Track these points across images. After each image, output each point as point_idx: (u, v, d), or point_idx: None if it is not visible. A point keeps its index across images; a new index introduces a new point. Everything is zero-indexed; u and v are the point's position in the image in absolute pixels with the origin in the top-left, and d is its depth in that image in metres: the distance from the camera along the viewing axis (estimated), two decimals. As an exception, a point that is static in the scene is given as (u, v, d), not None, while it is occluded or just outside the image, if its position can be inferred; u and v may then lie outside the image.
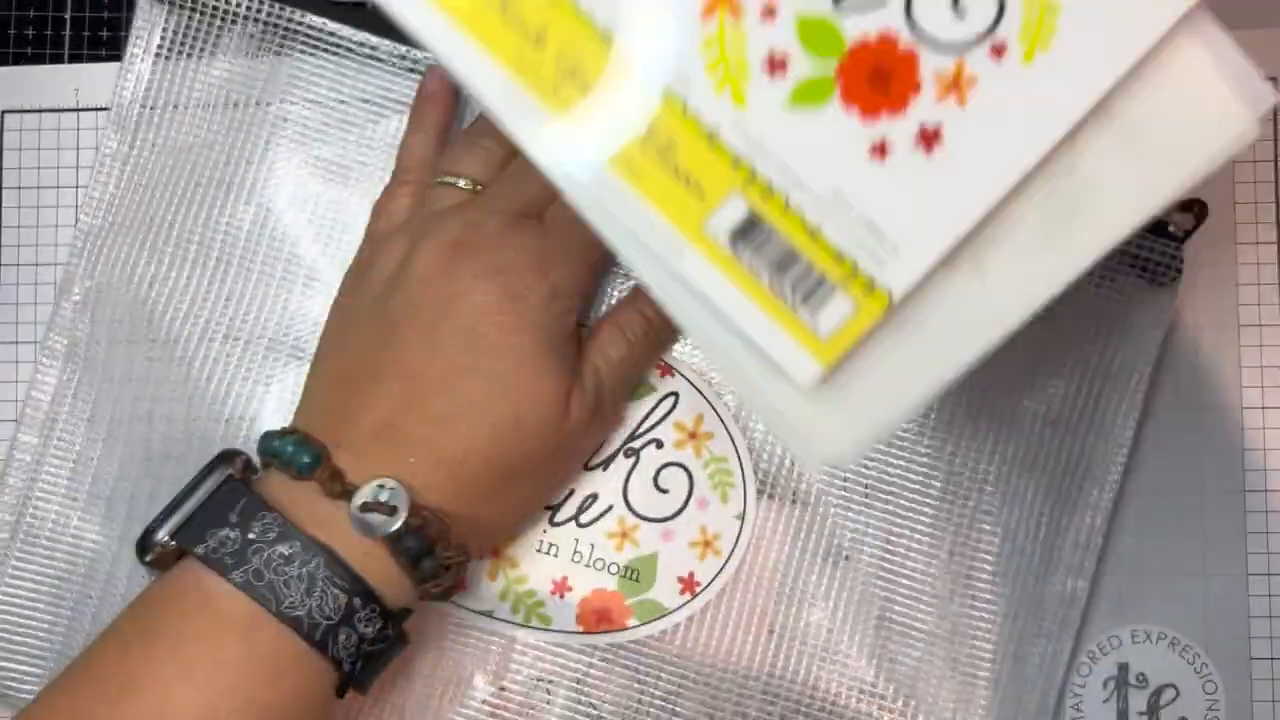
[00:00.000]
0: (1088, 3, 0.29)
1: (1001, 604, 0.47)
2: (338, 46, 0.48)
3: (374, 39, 0.48)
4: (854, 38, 0.29)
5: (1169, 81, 0.30)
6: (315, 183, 0.49)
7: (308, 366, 0.49)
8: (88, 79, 0.50)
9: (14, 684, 0.48)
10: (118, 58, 0.50)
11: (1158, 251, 0.46)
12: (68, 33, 0.51)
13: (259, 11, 0.48)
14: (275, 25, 0.48)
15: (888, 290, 0.30)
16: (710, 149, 0.30)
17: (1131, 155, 0.30)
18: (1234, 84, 0.31)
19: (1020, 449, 0.47)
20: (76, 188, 0.50)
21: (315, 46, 0.48)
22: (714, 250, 0.30)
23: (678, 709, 0.47)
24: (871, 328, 0.30)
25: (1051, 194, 0.30)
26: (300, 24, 0.48)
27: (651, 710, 0.47)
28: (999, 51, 0.29)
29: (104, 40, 0.51)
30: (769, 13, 0.29)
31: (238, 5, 0.48)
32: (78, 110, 0.50)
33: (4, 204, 0.50)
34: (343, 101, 0.49)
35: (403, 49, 0.48)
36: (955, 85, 0.29)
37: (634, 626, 0.46)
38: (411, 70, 0.48)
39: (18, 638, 0.48)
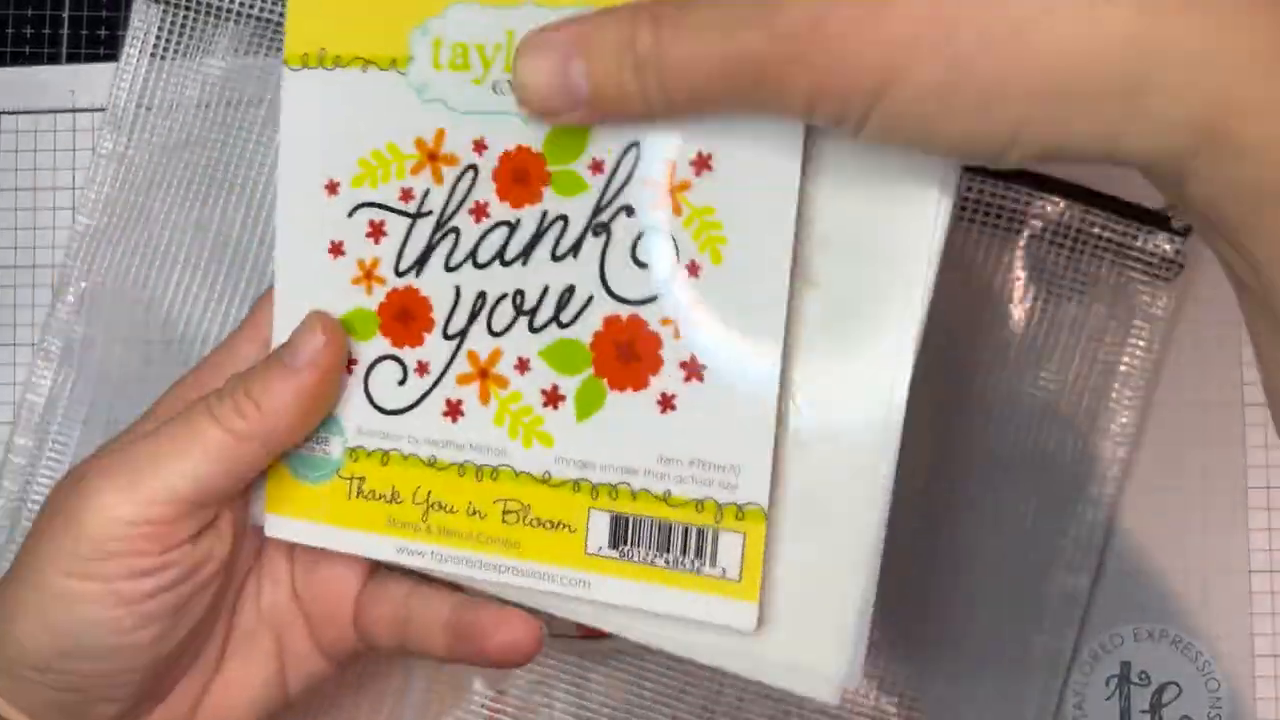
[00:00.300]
0: (733, 202, 0.32)
1: (1003, 602, 0.46)
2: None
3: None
4: (590, 340, 0.33)
5: (846, 180, 0.32)
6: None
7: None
8: (85, 80, 0.50)
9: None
10: (115, 58, 0.50)
11: (1160, 246, 0.46)
12: (65, 33, 0.51)
13: (252, 8, 0.48)
14: (269, 21, 0.48)
15: (754, 503, 0.32)
16: (552, 490, 0.34)
17: (863, 251, 0.32)
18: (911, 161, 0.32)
19: (1020, 446, 0.47)
20: (73, 189, 0.50)
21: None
22: (606, 565, 0.34)
23: (678, 713, 0.47)
24: (767, 542, 0.32)
25: (825, 324, 0.32)
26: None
27: (651, 713, 0.47)
28: (695, 270, 0.32)
29: (101, 40, 0.51)
30: (522, 365, 0.34)
31: (232, 1, 0.48)
32: (74, 111, 0.50)
33: (1, 205, 0.50)
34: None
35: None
36: (671, 325, 0.33)
37: (633, 630, 0.46)
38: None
39: (13, 641, 0.48)
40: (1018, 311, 0.46)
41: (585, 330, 0.33)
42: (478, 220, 0.34)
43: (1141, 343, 0.46)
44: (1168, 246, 0.46)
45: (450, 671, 0.47)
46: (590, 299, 0.33)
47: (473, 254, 0.34)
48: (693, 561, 0.33)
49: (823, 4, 0.27)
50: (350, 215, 0.35)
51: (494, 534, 0.35)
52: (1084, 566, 0.46)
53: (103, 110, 0.49)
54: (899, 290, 0.32)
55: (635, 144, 0.32)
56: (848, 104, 0.28)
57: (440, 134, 0.34)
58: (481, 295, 0.34)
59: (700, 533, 0.33)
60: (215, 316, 0.48)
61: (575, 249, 0.33)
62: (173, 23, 0.49)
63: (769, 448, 0.32)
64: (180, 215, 0.49)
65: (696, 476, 0.33)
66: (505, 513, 0.35)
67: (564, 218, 0.33)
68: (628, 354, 0.33)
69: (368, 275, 0.35)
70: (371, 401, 0.36)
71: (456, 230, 0.34)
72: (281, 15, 0.48)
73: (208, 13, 0.49)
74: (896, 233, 0.32)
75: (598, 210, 0.33)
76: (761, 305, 0.32)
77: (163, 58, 0.49)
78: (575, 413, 0.34)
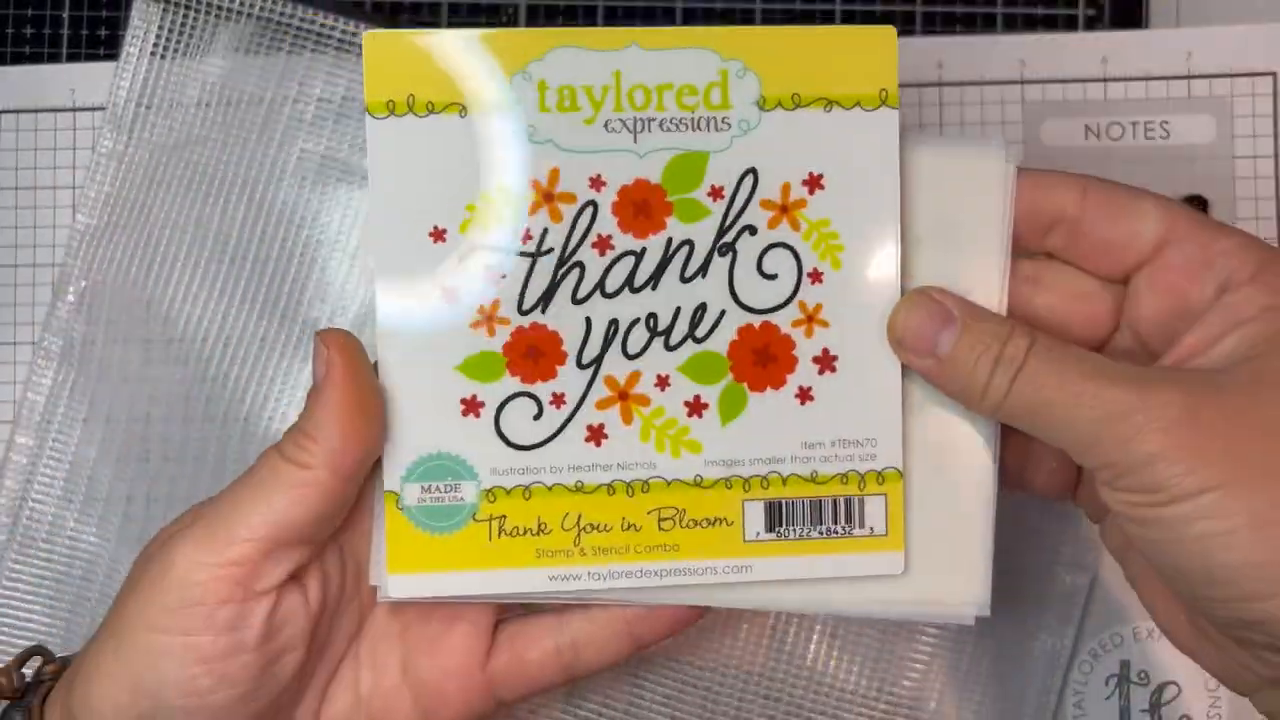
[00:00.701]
0: (846, 214, 0.36)
1: (1003, 602, 0.46)
2: (332, 40, 0.48)
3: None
4: (726, 350, 0.36)
5: (930, 187, 0.37)
6: (311, 178, 0.49)
7: (305, 365, 0.49)
8: (85, 79, 0.50)
9: (9, 686, 0.48)
10: (115, 57, 0.50)
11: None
12: (65, 32, 0.51)
13: (253, 7, 0.48)
14: (269, 20, 0.48)
15: (892, 467, 0.37)
16: (704, 491, 0.37)
17: (949, 245, 0.37)
18: None
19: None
20: (73, 188, 0.50)
21: (309, 41, 0.49)
22: (764, 548, 0.37)
23: (677, 712, 0.47)
24: (907, 497, 0.37)
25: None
26: (294, 19, 0.48)
27: (650, 713, 0.47)
28: (818, 276, 0.36)
29: (101, 40, 0.51)
30: (662, 383, 0.36)
31: (232, 1, 0.48)
32: (74, 110, 0.50)
33: (1, 204, 0.50)
34: (338, 97, 0.49)
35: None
36: (810, 319, 0.36)
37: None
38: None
39: (15, 639, 0.48)
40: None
41: (721, 342, 0.36)
42: (602, 253, 0.36)
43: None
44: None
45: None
46: (723, 313, 0.36)
47: (600, 285, 0.36)
48: (843, 527, 0.37)
49: (1192, 403, 0.31)
50: (463, 260, 0.36)
51: (651, 542, 0.37)
52: (1084, 566, 0.46)
53: (102, 109, 0.49)
54: (980, 273, 0.36)
55: (751, 170, 0.36)
56: (1163, 496, 0.31)
57: (554, 173, 0.35)
58: (613, 322, 0.36)
59: (848, 501, 0.37)
60: (216, 315, 0.48)
61: (703, 269, 0.36)
62: (173, 21, 0.49)
63: (899, 418, 0.37)
64: (180, 214, 0.49)
65: (839, 454, 0.37)
66: (661, 520, 0.37)
67: (689, 242, 0.36)
68: (764, 357, 0.36)
69: (489, 318, 0.36)
70: (506, 440, 0.36)
71: (581, 264, 0.36)
72: (282, 14, 0.48)
73: (208, 11, 0.49)
74: (974, 226, 0.36)
75: (721, 232, 0.36)
76: (880, 300, 0.36)
77: (163, 57, 0.49)
78: (720, 418, 0.36)
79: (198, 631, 0.33)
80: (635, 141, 0.35)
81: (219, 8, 0.49)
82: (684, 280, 0.36)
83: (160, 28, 0.49)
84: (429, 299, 0.36)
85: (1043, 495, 0.39)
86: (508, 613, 0.39)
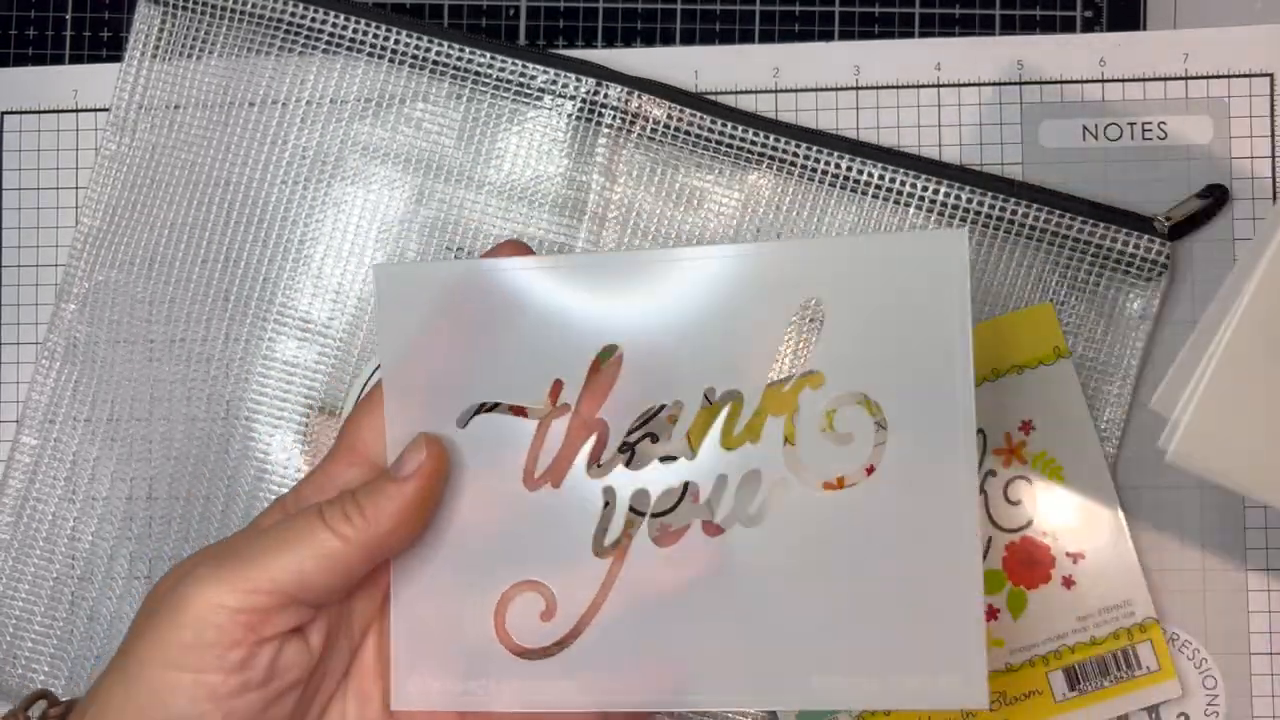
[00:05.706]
0: (1055, 442, 0.46)
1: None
2: (332, 41, 0.49)
3: (367, 31, 0.48)
4: (1001, 565, 0.46)
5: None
6: (313, 178, 0.49)
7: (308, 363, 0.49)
8: (87, 80, 0.50)
9: (11, 683, 0.48)
10: (117, 59, 0.50)
11: (1143, 248, 0.46)
12: (68, 34, 0.51)
13: (255, 7, 0.49)
14: (270, 20, 0.49)
15: (1150, 617, 0.46)
16: (1015, 673, 0.46)
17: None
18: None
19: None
20: (76, 188, 0.50)
21: (310, 42, 0.49)
22: (1071, 704, 0.46)
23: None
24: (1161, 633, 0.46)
25: None
26: (288, 15, 0.49)
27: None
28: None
29: (104, 41, 0.51)
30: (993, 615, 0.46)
31: (233, 1, 0.49)
32: (76, 111, 0.50)
33: (4, 205, 0.50)
34: (339, 98, 0.49)
35: (393, 41, 0.48)
36: (1050, 534, 0.46)
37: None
38: (403, 64, 0.48)
39: (15, 638, 0.48)
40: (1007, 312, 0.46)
41: (995, 559, 0.46)
42: None
43: (1127, 342, 0.46)
44: (1152, 247, 0.46)
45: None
46: (990, 539, 0.46)
47: None
48: (1127, 673, 0.46)
49: None
50: None
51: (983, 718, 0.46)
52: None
53: (105, 110, 0.50)
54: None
55: (980, 431, 0.45)
56: None
57: None
58: None
59: (1125, 652, 0.46)
60: (217, 316, 0.49)
61: None
62: (174, 23, 0.49)
63: (1144, 580, 0.46)
64: (182, 215, 0.49)
65: (1105, 618, 0.45)
66: (990, 701, 0.41)
67: None
68: (1029, 562, 0.46)
69: None
70: None
71: None
72: (278, 15, 0.48)
73: (208, 13, 0.49)
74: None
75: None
76: (1099, 499, 0.46)
77: (164, 59, 0.49)
78: (1010, 616, 0.46)
79: (210, 670, 0.34)
80: None
81: (219, 9, 0.49)
82: None
83: (161, 30, 0.49)
84: None
85: None
86: None
